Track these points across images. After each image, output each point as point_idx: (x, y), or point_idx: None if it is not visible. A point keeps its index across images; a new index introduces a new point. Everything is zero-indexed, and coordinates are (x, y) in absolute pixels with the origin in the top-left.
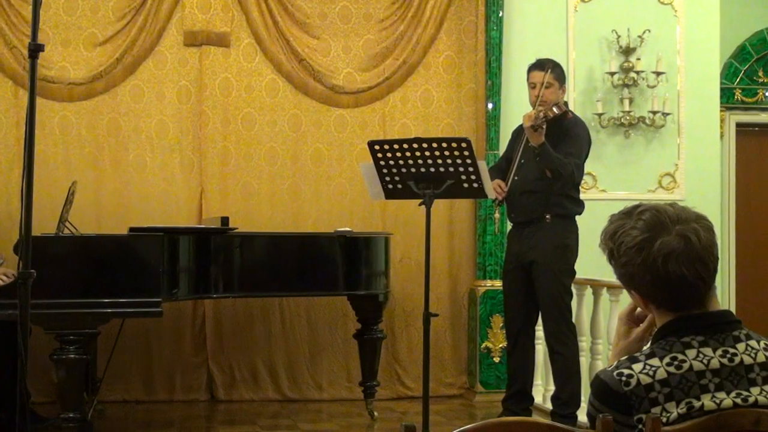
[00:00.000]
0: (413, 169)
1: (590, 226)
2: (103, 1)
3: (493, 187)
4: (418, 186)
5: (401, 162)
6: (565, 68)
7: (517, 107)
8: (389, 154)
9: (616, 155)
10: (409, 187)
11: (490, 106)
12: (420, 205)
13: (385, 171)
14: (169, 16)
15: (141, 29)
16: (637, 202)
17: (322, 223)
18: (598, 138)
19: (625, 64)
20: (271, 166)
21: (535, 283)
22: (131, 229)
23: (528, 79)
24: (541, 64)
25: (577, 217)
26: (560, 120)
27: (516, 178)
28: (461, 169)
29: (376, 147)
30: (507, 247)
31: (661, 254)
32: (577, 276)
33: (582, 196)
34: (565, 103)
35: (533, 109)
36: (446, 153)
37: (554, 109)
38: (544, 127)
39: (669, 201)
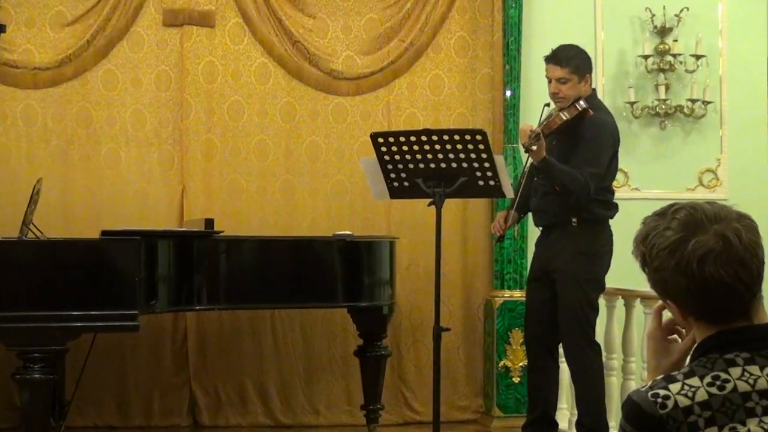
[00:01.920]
0: (422, 165)
1: (621, 229)
2: None
3: (494, 223)
4: (427, 184)
5: (408, 157)
6: (592, 51)
7: (539, 94)
8: (395, 148)
9: (651, 149)
10: (417, 185)
11: (508, 93)
12: (429, 205)
13: (389, 167)
14: None
15: (114, 7)
16: (672, 202)
17: (319, 226)
18: (630, 130)
19: (661, 47)
20: (261, 162)
21: (557, 294)
22: (103, 233)
23: (545, 71)
24: (556, 57)
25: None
26: (579, 119)
27: (536, 178)
28: (476, 164)
29: (380, 140)
30: (534, 254)
31: (696, 255)
32: (608, 286)
33: (615, 194)
34: (592, 94)
35: (553, 103)
36: (459, 147)
37: (562, 115)
38: (537, 146)
39: (710, 200)
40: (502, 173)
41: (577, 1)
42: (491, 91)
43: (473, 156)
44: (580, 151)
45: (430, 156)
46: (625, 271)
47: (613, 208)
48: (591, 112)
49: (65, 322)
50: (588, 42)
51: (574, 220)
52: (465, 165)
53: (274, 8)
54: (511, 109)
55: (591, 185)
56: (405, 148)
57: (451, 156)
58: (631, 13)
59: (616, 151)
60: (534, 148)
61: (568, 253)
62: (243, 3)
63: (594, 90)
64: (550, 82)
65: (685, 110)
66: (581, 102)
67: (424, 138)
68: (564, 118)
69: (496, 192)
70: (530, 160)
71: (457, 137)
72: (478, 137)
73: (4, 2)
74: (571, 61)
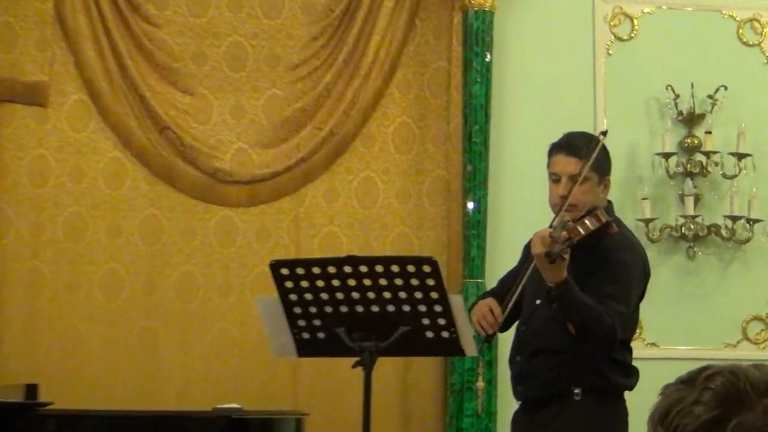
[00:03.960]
0: (344, 308)
1: (630, 403)
2: None
3: (480, 314)
4: (351, 336)
5: (324, 296)
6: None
7: (513, 207)
8: (305, 283)
9: (674, 286)
10: (338, 338)
11: (471, 206)
12: (355, 366)
13: (297, 311)
14: None
15: None
16: (705, 364)
17: (193, 396)
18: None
19: (688, 141)
20: (109, 300)
21: None
22: None
23: (549, 166)
24: (573, 146)
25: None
26: (597, 236)
27: (523, 327)
28: (422, 307)
29: (284, 271)
30: None
31: None
32: None
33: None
34: (609, 206)
35: (554, 213)
36: (398, 282)
37: (588, 222)
38: (567, 256)
39: (758, 362)
40: (460, 321)
41: (570, 76)
42: (446, 203)
43: (418, 296)
44: (601, 279)
45: (356, 295)
46: None
47: (633, 375)
48: (615, 228)
49: None
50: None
51: (576, 391)
52: (407, 308)
53: (133, 79)
54: (475, 227)
55: (618, 331)
56: (320, 283)
57: (387, 295)
58: (646, 95)
59: (644, 290)
60: (566, 256)
61: None
62: (89, 71)
63: (610, 202)
64: (556, 180)
65: (723, 232)
66: (602, 212)
67: (347, 269)
68: (590, 227)
69: (451, 347)
70: (534, 278)
71: (395, 268)
72: (426, 268)
73: None
74: (593, 152)
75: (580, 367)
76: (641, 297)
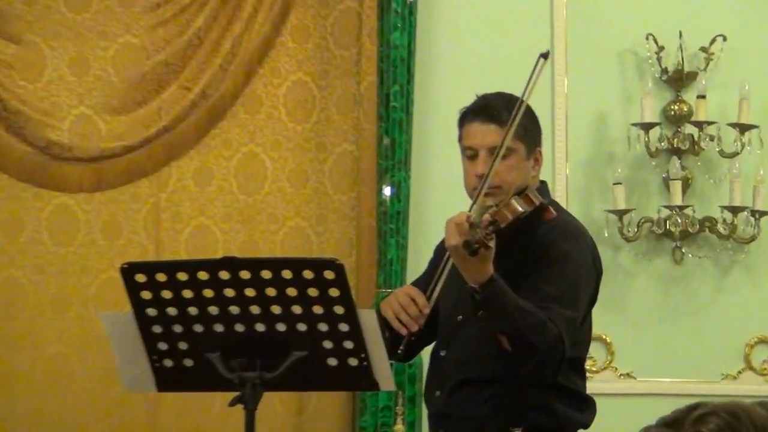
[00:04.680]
0: (219, 327)
1: None
2: None
3: (396, 306)
4: (229, 363)
5: (193, 311)
6: (545, 115)
7: (444, 195)
8: (167, 294)
9: (656, 299)
10: (210, 366)
11: (387, 191)
12: (233, 404)
13: (157, 330)
14: None
15: None
16: (695, 402)
17: None
18: (617, 262)
19: (675, 108)
20: None
21: None
22: None
23: (462, 139)
24: (490, 109)
25: None
26: (531, 224)
27: (443, 353)
28: (323, 326)
29: (140, 277)
30: None
31: None
32: None
33: (590, 385)
34: (542, 187)
35: (471, 199)
36: (291, 292)
37: (516, 203)
38: (493, 244)
39: (763, 398)
40: (373, 343)
41: (518, 19)
42: (355, 188)
43: (318, 310)
44: (538, 280)
45: (235, 309)
46: None
47: (589, 408)
48: (553, 212)
49: None
50: (537, 102)
51: (517, 431)
52: (302, 327)
53: None
54: (393, 220)
55: (567, 341)
56: (188, 293)
57: (277, 310)
58: (619, 46)
59: (596, 292)
60: (491, 244)
61: None
62: None
63: (544, 182)
64: (471, 157)
65: (720, 228)
66: (534, 193)
67: (224, 275)
68: (519, 209)
69: (361, 379)
70: (454, 283)
71: (287, 274)
72: (328, 275)
73: None
74: (514, 116)
75: (520, 399)
76: (593, 300)
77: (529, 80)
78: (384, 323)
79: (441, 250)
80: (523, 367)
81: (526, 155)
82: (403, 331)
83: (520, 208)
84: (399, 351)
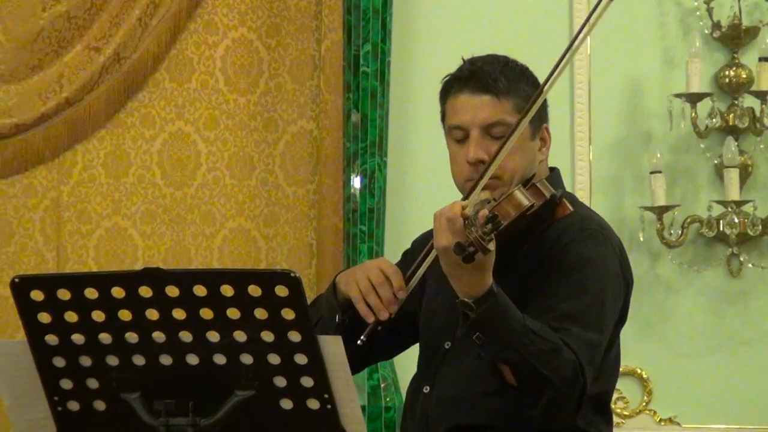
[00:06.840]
0: (140, 359)
1: None
2: None
3: (365, 284)
4: (152, 407)
5: (106, 338)
6: (562, 84)
7: (428, 185)
8: (72, 316)
9: (707, 322)
10: (128, 410)
11: (357, 182)
12: None
13: (59, 364)
14: None
15: None
16: None
17: None
18: (655, 274)
19: (730, 74)
20: None
21: None
22: None
23: (447, 117)
24: (482, 76)
25: None
26: (540, 221)
27: (426, 389)
28: (274, 358)
29: (36, 295)
30: None
31: None
32: None
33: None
34: (553, 175)
35: (462, 194)
36: (233, 314)
37: (520, 196)
38: (493, 247)
39: None
40: (339, 380)
41: None
42: (315, 178)
43: (267, 337)
44: (550, 293)
45: (160, 337)
46: None
47: None
48: (569, 207)
49: None
50: (554, 61)
51: None
52: (247, 360)
53: None
54: (365, 220)
55: (587, 374)
56: (98, 316)
57: (214, 337)
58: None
59: (626, 309)
60: (490, 248)
61: None
62: None
63: (556, 170)
64: (460, 140)
65: None
66: (544, 183)
67: (146, 292)
68: (525, 203)
69: (323, 425)
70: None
71: (228, 290)
72: (281, 291)
73: None
74: (517, 87)
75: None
76: (622, 320)
77: (575, 39)
78: (337, 302)
79: (422, 244)
80: (533, 407)
81: (531, 134)
82: (370, 319)
83: (526, 202)
84: (360, 341)
